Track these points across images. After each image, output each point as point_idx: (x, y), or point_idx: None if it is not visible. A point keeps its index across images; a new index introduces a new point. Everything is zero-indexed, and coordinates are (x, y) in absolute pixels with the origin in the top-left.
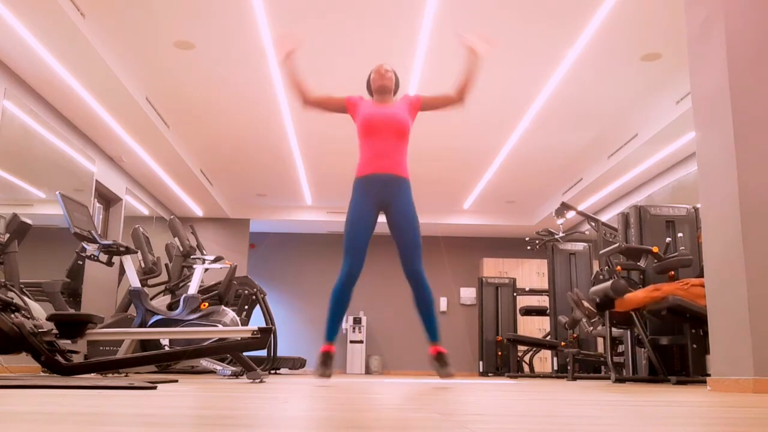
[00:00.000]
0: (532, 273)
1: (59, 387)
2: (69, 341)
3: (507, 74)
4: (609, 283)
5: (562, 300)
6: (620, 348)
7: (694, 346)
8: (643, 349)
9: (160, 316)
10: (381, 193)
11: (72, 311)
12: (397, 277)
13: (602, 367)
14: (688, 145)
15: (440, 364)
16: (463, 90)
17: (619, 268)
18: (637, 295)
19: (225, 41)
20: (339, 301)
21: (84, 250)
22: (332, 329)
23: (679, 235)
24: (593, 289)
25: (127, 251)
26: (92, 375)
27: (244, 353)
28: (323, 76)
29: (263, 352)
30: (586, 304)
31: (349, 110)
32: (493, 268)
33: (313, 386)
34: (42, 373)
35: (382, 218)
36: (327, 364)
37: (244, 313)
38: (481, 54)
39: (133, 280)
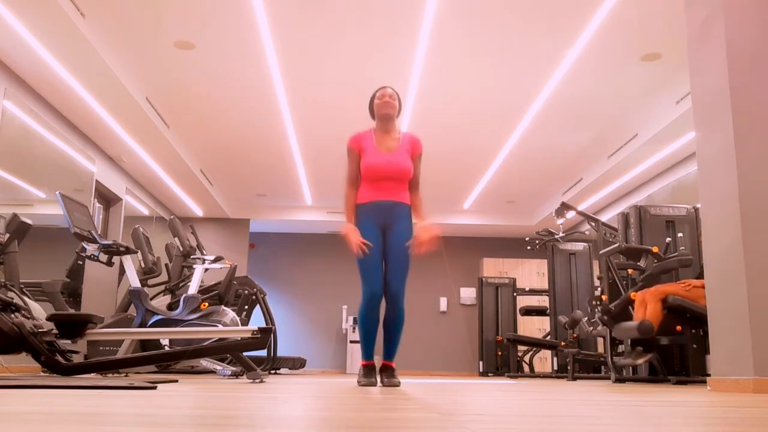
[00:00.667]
0: (532, 273)
1: (59, 387)
2: (69, 341)
3: (507, 74)
4: (635, 326)
5: (562, 300)
6: (620, 348)
7: (694, 346)
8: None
9: (160, 316)
10: (382, 216)
11: (72, 311)
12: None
13: (602, 367)
14: (688, 145)
15: (387, 375)
16: (414, 203)
17: (605, 297)
18: (655, 311)
19: (225, 41)
20: (367, 323)
21: (84, 250)
22: (366, 348)
23: (679, 235)
24: (618, 331)
25: (127, 251)
26: (92, 375)
27: (244, 353)
28: (323, 76)
29: (263, 352)
30: (640, 360)
31: (359, 152)
32: (493, 268)
33: (299, 393)
34: (42, 373)
35: None
36: (368, 375)
37: (244, 313)
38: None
39: (133, 280)
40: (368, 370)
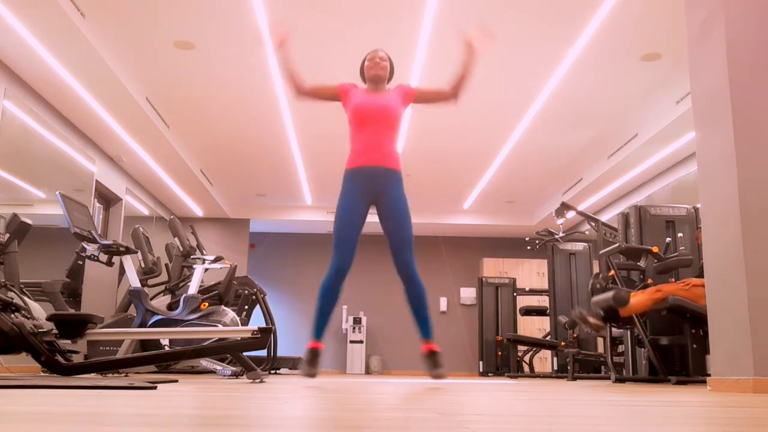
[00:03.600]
0: (532, 273)
1: (59, 387)
2: (69, 341)
3: (507, 74)
4: (610, 294)
5: (562, 300)
6: (620, 348)
7: (694, 346)
8: (643, 349)
9: (160, 316)
10: (371, 185)
11: (72, 311)
12: (397, 277)
13: (602, 367)
14: (688, 145)
15: (432, 363)
16: (458, 86)
17: (612, 272)
18: (641, 300)
19: (225, 41)
20: (328, 297)
21: (84, 250)
22: (320, 326)
23: (679, 235)
24: (594, 299)
25: (127, 251)
26: (92, 375)
27: (244, 353)
28: (323, 71)
29: (263, 352)
30: (592, 320)
31: (341, 98)
32: (493, 268)
33: (301, 387)
34: (42, 373)
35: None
36: (314, 362)
37: (244, 313)
38: (480, 50)
39: (133, 280)
40: (313, 355)
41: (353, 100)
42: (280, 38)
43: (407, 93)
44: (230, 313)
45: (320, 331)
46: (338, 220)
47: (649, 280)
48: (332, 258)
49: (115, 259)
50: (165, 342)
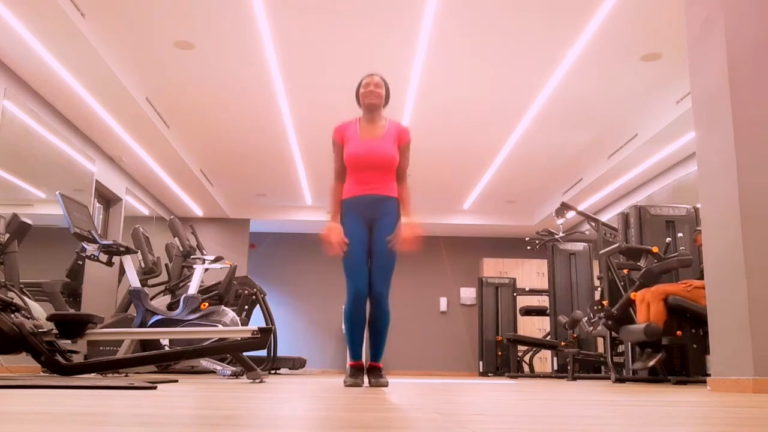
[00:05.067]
0: (532, 273)
1: (59, 387)
2: (69, 341)
3: (507, 74)
4: (641, 329)
5: (562, 300)
6: (620, 348)
7: (694, 346)
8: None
9: (160, 316)
10: (369, 210)
11: (72, 311)
12: (396, 278)
13: (602, 367)
14: (688, 145)
15: (374, 375)
16: (401, 194)
17: (606, 303)
18: (658, 311)
19: (225, 41)
20: (352, 322)
21: (84, 250)
22: (354, 348)
23: (679, 235)
24: (625, 333)
25: (127, 251)
26: (92, 375)
27: (244, 353)
28: (323, 76)
29: (263, 352)
30: (651, 363)
31: (342, 143)
32: (493, 268)
33: (299, 393)
34: (42, 373)
35: None
36: (355, 375)
37: (244, 313)
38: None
39: (133, 280)
40: (355, 371)
41: (348, 145)
42: (335, 241)
43: (401, 137)
44: (230, 313)
45: (357, 353)
46: (345, 250)
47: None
48: (347, 287)
49: (115, 259)
50: (165, 342)
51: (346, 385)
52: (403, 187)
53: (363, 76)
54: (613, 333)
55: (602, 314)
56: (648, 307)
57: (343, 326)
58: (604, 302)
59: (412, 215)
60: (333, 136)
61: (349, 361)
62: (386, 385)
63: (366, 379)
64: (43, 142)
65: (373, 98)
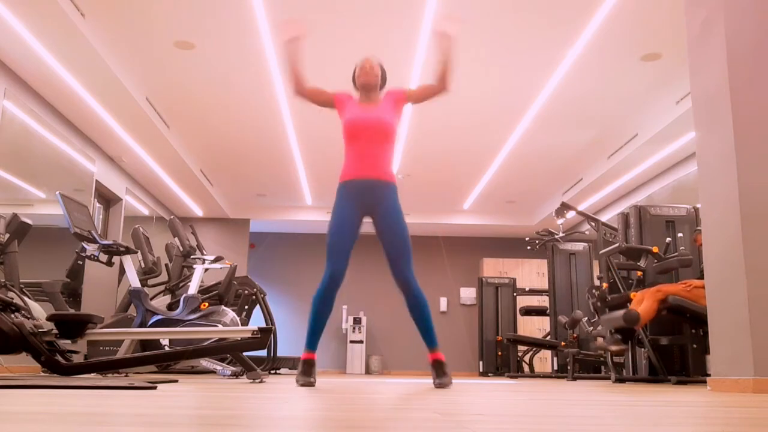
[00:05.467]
0: (532, 273)
1: (59, 387)
2: (69, 341)
3: (507, 74)
4: (620, 314)
5: (562, 300)
6: None
7: (694, 346)
8: (643, 349)
9: (160, 316)
10: (365, 198)
11: (72, 311)
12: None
13: (602, 367)
14: (688, 145)
15: (437, 372)
16: (443, 77)
17: (606, 285)
18: (648, 308)
19: (225, 41)
20: (321, 308)
21: (84, 250)
22: (314, 337)
23: (679, 235)
24: (605, 320)
25: (127, 251)
26: (92, 375)
27: (244, 353)
28: (322, 73)
29: (263, 352)
30: (614, 348)
31: (336, 106)
32: (493, 268)
33: (299, 393)
34: (42, 373)
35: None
36: (309, 372)
37: (244, 313)
38: (453, 35)
39: (133, 280)
40: (308, 367)
41: (347, 112)
42: (295, 32)
43: (399, 97)
44: (230, 313)
45: (314, 343)
46: (331, 232)
47: (639, 273)
48: (325, 268)
49: (115, 259)
50: (165, 342)
51: (299, 385)
52: (435, 78)
53: (358, 61)
54: (599, 321)
55: (596, 294)
56: (640, 302)
57: (310, 312)
58: (604, 285)
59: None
60: (334, 94)
61: (303, 353)
62: (450, 385)
63: (436, 374)
64: (43, 142)
65: (369, 77)
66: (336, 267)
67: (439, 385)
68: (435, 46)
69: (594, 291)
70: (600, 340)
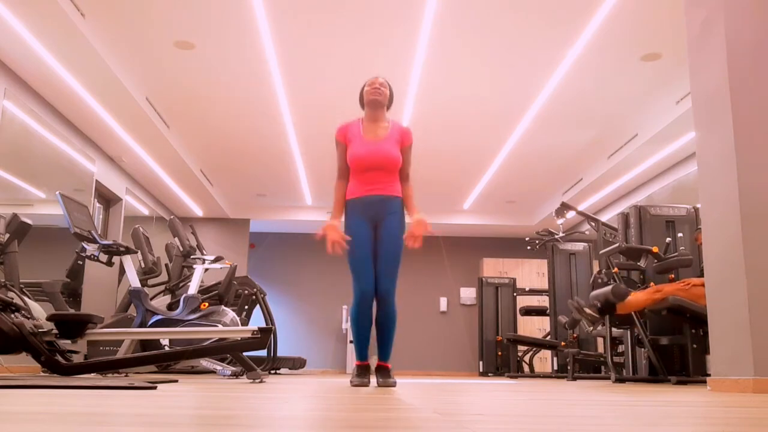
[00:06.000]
0: (532, 273)
1: (59, 387)
2: (69, 341)
3: (507, 74)
4: (609, 287)
5: (562, 300)
6: (620, 348)
7: (694, 346)
8: (643, 349)
9: (160, 316)
10: (373, 210)
11: (72, 311)
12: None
13: (602, 367)
14: (688, 145)
15: (382, 375)
16: (404, 192)
17: (616, 270)
18: (639, 298)
19: (225, 41)
20: (359, 323)
21: (84, 250)
22: (360, 349)
23: (679, 235)
24: (593, 293)
25: (127, 251)
26: (92, 375)
27: (244, 353)
28: (323, 76)
29: (263, 352)
30: (588, 310)
31: (345, 143)
32: (493, 268)
33: (298, 393)
34: (42, 373)
35: None
36: (362, 375)
37: (244, 313)
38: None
39: (133, 280)
40: (362, 371)
41: (351, 145)
42: (332, 242)
43: (404, 139)
44: (230, 313)
45: (363, 353)
46: (352, 252)
47: (651, 284)
48: (353, 287)
49: (115, 259)
50: (165, 342)
51: (352, 385)
52: (406, 187)
53: (366, 80)
54: (612, 333)
55: (605, 273)
56: (635, 294)
57: (350, 326)
58: (615, 269)
59: (418, 213)
60: (336, 135)
61: (356, 361)
62: (394, 386)
63: (373, 379)
64: (43, 142)
65: (377, 95)
66: (365, 286)
67: (384, 384)
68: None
69: (604, 271)
70: (580, 302)
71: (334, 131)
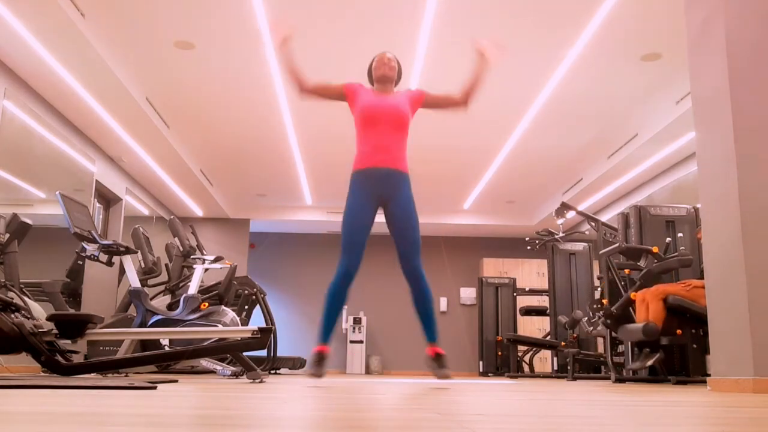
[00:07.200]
0: (532, 273)
1: (59, 387)
2: (69, 341)
3: (507, 74)
4: (639, 329)
5: (562, 300)
6: (620, 348)
7: (694, 346)
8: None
9: (160, 316)
10: (379, 188)
11: (72, 311)
12: (397, 277)
13: (602, 367)
14: (688, 145)
15: (438, 365)
16: (468, 94)
17: (606, 301)
18: (657, 310)
19: (225, 41)
20: (335, 301)
21: (84, 250)
22: (327, 330)
23: (679, 235)
24: (623, 333)
25: (127, 251)
26: (92, 375)
27: (244, 353)
28: (323, 75)
29: (263, 352)
30: (649, 362)
31: (347, 98)
32: (493, 268)
33: (306, 386)
34: (42, 373)
35: (381, 218)
36: (320, 364)
37: (244, 313)
38: (492, 60)
39: (133, 280)
40: (321, 358)
41: (360, 100)
42: (282, 35)
43: (416, 97)
44: (230, 313)
45: (327, 335)
46: (346, 223)
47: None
48: (340, 260)
49: (115, 259)
50: (165, 342)
51: (309, 375)
52: (460, 92)
53: (375, 55)
54: (612, 333)
55: (601, 313)
56: (647, 307)
57: (324, 304)
58: (604, 301)
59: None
60: (344, 84)
61: (315, 346)
62: (450, 377)
63: (436, 366)
64: (43, 142)
65: (386, 69)
66: (351, 261)
67: (441, 376)
68: (473, 61)
69: (597, 307)
70: (637, 363)
71: (344, 83)
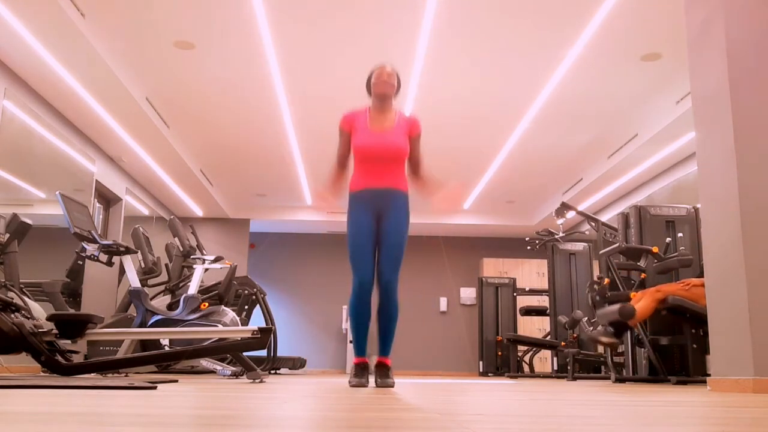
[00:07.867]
0: (532, 273)
1: (59, 387)
2: (69, 341)
3: (507, 74)
4: (616, 308)
5: (562, 300)
6: (620, 348)
7: (694, 346)
8: (643, 349)
9: (160, 316)
10: (377, 203)
11: (72, 311)
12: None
13: (602, 367)
14: (688, 145)
15: (381, 374)
16: (420, 178)
17: (607, 281)
18: (645, 306)
19: (225, 41)
20: (357, 315)
21: (84, 250)
22: (359, 344)
23: (679, 235)
24: (600, 314)
25: (127, 251)
26: (92, 375)
27: (244, 353)
28: (323, 75)
29: (263, 352)
30: (605, 339)
31: (348, 132)
32: (493, 268)
33: (298, 393)
34: (42, 373)
35: None
36: (360, 374)
37: (244, 313)
38: (443, 203)
39: (133, 280)
40: (360, 369)
41: (357, 136)
42: (328, 203)
43: (413, 130)
44: (230, 313)
45: (362, 348)
46: (351, 240)
47: (643, 275)
48: (353, 278)
49: (115, 259)
50: (165, 342)
51: (351, 386)
52: (421, 171)
53: (374, 66)
54: (595, 316)
55: (596, 288)
56: (638, 300)
57: (348, 321)
58: (606, 281)
59: (437, 180)
60: (340, 123)
61: (354, 358)
62: (392, 386)
63: (372, 378)
64: (43, 142)
65: (385, 88)
66: (363, 276)
67: (383, 385)
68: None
69: (594, 285)
70: (593, 331)
71: (340, 117)
